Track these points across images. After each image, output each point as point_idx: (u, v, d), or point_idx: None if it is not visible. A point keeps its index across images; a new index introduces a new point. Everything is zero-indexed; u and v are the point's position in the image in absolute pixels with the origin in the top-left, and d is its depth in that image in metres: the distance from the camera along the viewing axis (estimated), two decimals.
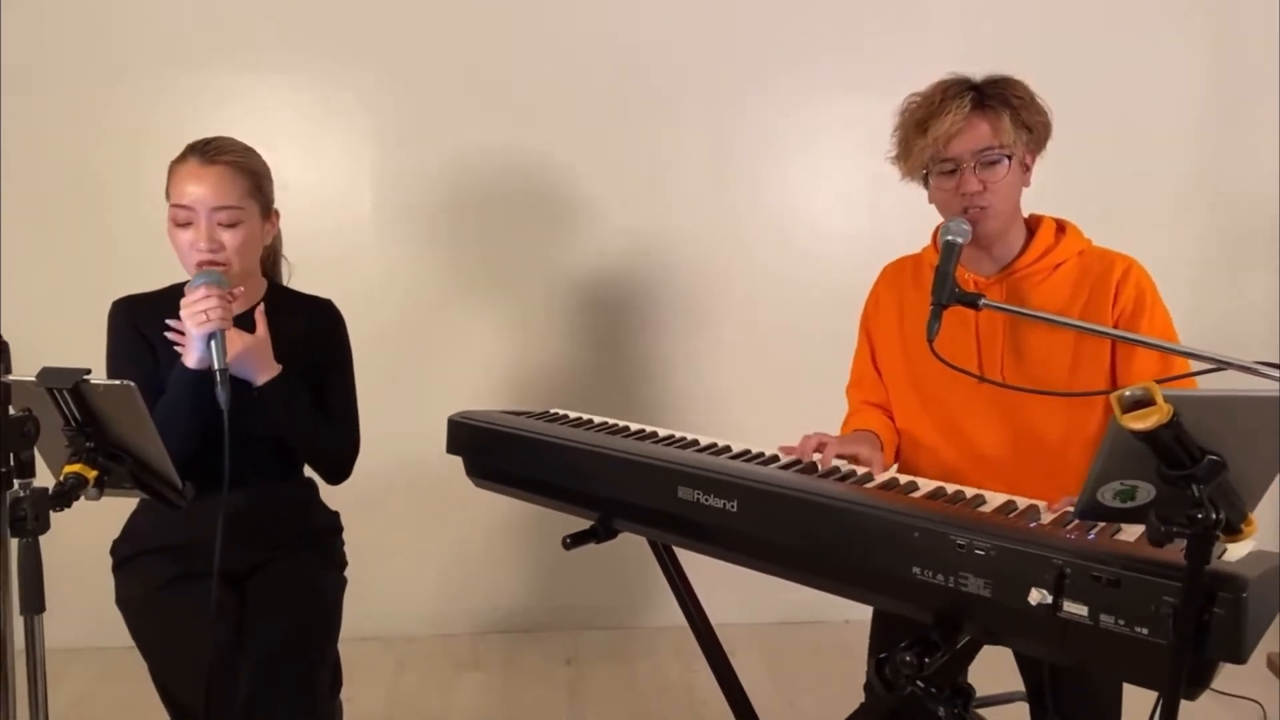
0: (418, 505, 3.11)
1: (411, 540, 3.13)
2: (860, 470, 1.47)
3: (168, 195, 1.67)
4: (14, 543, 1.11)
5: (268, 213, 1.75)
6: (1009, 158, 1.55)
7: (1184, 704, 0.95)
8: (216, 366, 1.51)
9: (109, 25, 2.86)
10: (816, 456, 1.49)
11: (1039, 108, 1.60)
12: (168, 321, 1.66)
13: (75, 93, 2.87)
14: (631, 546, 3.10)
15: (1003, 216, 1.59)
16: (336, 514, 1.89)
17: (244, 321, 1.68)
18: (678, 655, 3.01)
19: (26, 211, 2.90)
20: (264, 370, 1.66)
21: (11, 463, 1.10)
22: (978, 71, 1.62)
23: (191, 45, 2.89)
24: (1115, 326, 1.55)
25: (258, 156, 1.73)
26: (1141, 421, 0.87)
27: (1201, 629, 0.95)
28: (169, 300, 1.68)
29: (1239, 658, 0.95)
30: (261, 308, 1.71)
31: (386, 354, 2.87)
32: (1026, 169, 1.63)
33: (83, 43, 2.86)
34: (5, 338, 1.19)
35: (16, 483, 1.11)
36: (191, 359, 1.59)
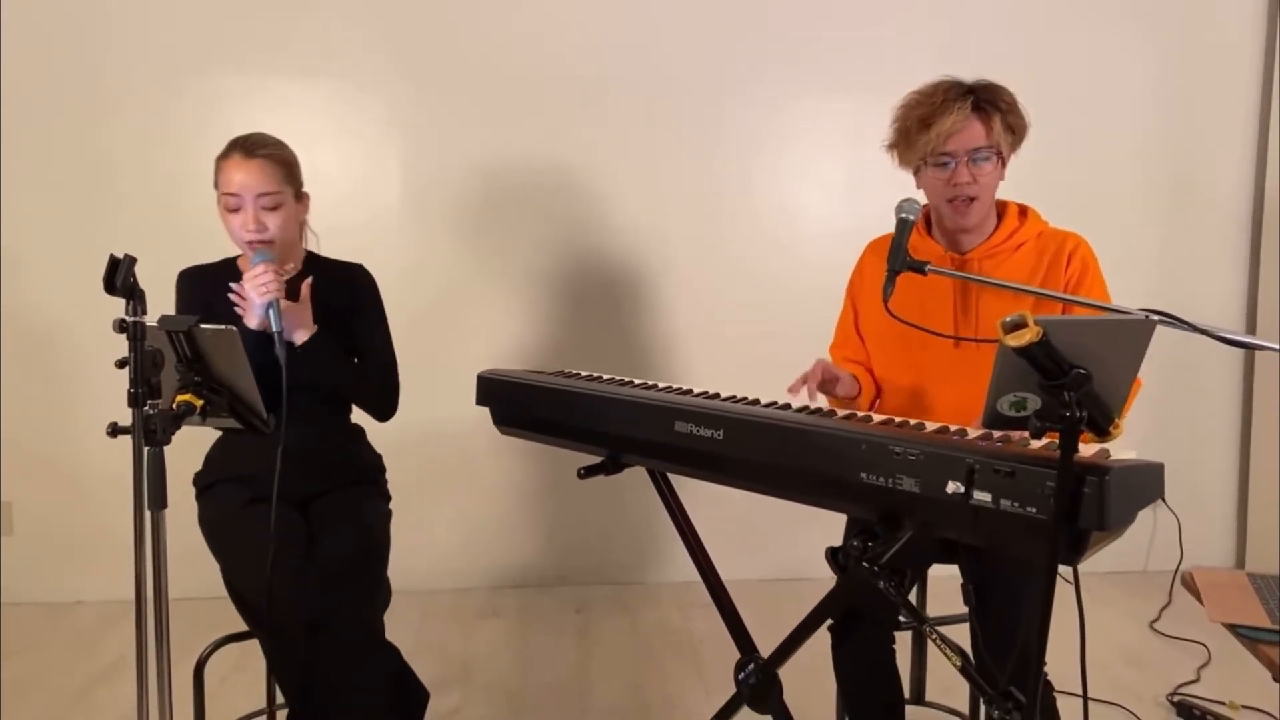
0: (439, 473, 3.37)
1: (434, 502, 3.39)
2: (825, 406, 1.75)
3: (216, 185, 1.98)
4: (145, 450, 1.39)
5: (300, 195, 2.05)
6: (997, 155, 1.81)
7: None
8: (275, 329, 1.82)
9: (163, 33, 3.16)
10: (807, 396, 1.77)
11: (1020, 112, 1.84)
12: (231, 285, 1.95)
13: (129, 98, 3.17)
14: (636, 509, 3.40)
15: (985, 206, 1.86)
16: (380, 455, 2.18)
17: (290, 289, 1.96)
18: (678, 606, 3.29)
19: (54, 211, 3.18)
20: (302, 331, 1.94)
21: (145, 386, 1.39)
22: (963, 72, 1.84)
23: (235, 52, 3.20)
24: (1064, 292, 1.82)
25: (288, 148, 2.04)
26: (1018, 339, 1.14)
27: (1074, 505, 1.22)
28: (226, 270, 2.05)
29: (1104, 526, 1.22)
30: (309, 280, 1.99)
31: (407, 337, 3.13)
32: (1004, 165, 1.87)
33: (138, 51, 3.16)
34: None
35: (148, 402, 1.40)
36: (253, 321, 1.89)
